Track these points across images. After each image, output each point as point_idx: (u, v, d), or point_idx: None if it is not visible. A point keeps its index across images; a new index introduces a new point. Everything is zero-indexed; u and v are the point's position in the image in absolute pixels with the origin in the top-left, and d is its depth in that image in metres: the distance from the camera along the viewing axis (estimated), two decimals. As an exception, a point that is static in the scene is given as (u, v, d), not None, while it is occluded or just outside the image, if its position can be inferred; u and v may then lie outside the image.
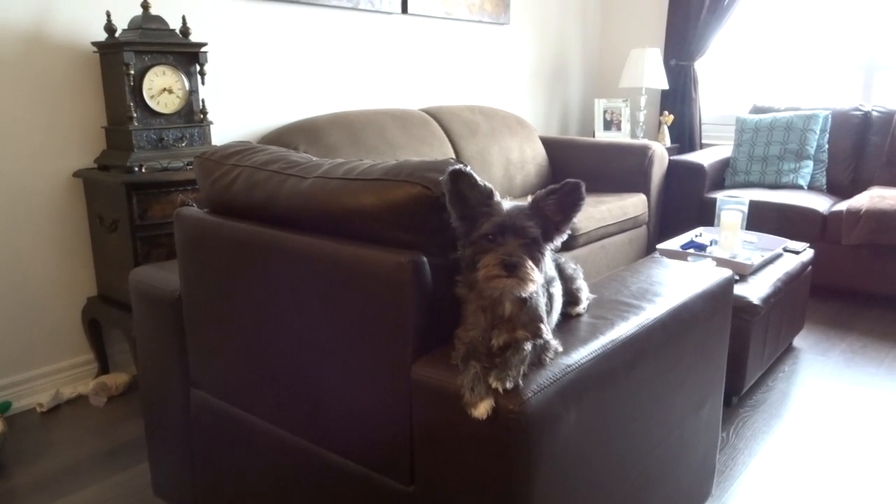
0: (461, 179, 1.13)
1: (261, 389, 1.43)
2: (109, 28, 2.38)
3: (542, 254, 1.16)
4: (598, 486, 1.27)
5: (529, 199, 1.18)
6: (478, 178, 1.14)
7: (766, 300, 2.46)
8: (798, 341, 3.08)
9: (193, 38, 2.56)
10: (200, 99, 2.59)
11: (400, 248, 1.17)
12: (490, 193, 1.15)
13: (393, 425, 1.19)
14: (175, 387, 1.64)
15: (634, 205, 3.74)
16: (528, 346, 1.12)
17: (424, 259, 1.15)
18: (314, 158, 1.41)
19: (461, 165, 1.22)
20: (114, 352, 2.71)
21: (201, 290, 1.50)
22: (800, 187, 4.01)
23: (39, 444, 2.28)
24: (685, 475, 1.61)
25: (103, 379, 2.57)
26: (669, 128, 4.75)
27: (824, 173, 4.08)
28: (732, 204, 2.84)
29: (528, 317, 1.16)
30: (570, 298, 1.34)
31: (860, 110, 4.11)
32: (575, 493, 1.20)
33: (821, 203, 3.72)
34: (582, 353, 1.17)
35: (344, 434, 1.29)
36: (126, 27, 2.42)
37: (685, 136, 4.80)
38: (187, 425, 1.64)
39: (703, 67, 4.83)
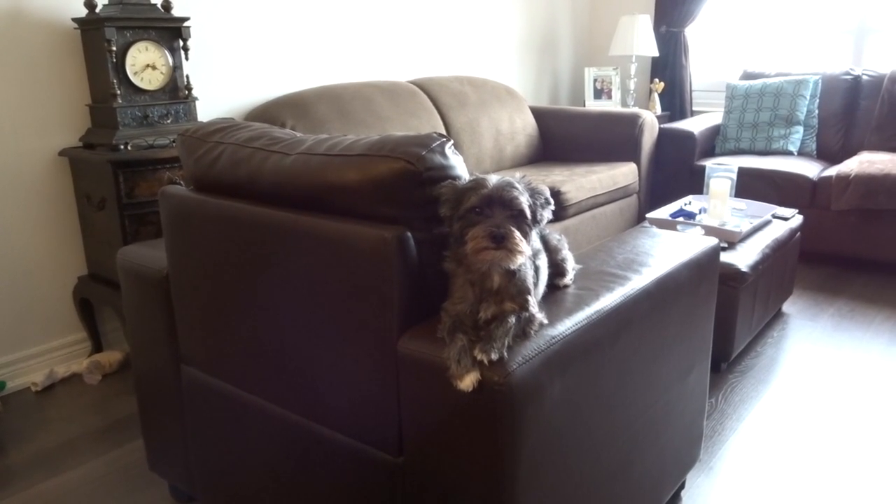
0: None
1: (250, 365, 1.44)
2: (89, 4, 2.34)
3: (530, 226, 1.16)
4: (586, 454, 1.29)
5: (517, 174, 1.18)
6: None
7: (755, 267, 2.48)
8: (787, 307, 3.11)
9: (175, 12, 2.52)
10: (185, 74, 2.56)
11: (384, 223, 1.17)
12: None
13: (381, 398, 1.21)
14: (166, 364, 1.65)
15: (625, 174, 3.73)
16: (513, 319, 1.13)
17: (409, 234, 1.15)
18: (297, 134, 1.40)
19: (444, 138, 1.22)
20: (106, 330, 2.72)
21: (188, 268, 1.51)
22: (790, 153, 4.01)
23: (35, 422, 2.30)
24: (673, 441, 1.64)
25: (97, 357, 2.59)
26: (660, 95, 4.73)
27: (814, 139, 4.08)
28: (721, 171, 2.84)
29: (516, 289, 1.17)
30: (556, 270, 1.35)
31: (850, 74, 4.10)
32: (562, 462, 1.22)
33: (810, 169, 3.72)
34: (567, 325, 1.18)
35: (333, 408, 1.30)
36: (106, 2, 2.39)
37: (676, 104, 4.79)
38: (179, 402, 1.65)
39: (694, 34, 4.80)
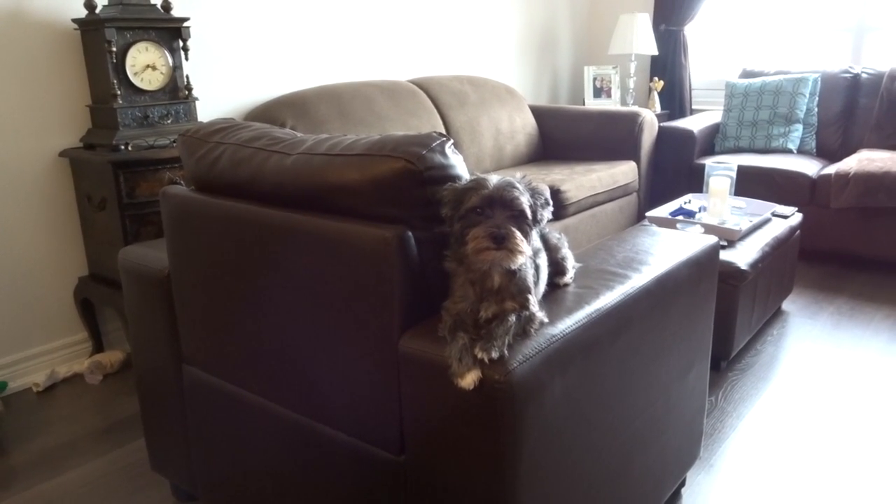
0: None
1: (252, 365, 1.44)
2: (89, 4, 2.34)
3: (531, 226, 1.16)
4: (587, 452, 1.30)
5: (518, 174, 1.18)
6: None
7: (754, 265, 2.48)
8: (787, 305, 3.11)
9: (175, 12, 2.53)
10: (185, 75, 2.57)
11: (385, 222, 1.17)
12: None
13: (382, 397, 1.21)
14: (167, 364, 1.65)
15: (624, 172, 3.74)
16: (513, 318, 1.13)
17: (409, 233, 1.15)
18: (298, 134, 1.41)
19: (444, 137, 1.22)
20: (107, 330, 2.73)
21: (189, 268, 1.51)
22: (789, 151, 4.01)
23: (37, 422, 2.30)
24: (673, 439, 1.64)
25: (98, 357, 2.59)
26: (660, 94, 4.74)
27: (814, 137, 4.08)
28: (721, 170, 2.84)
29: (516, 288, 1.17)
30: (556, 268, 1.35)
31: (850, 72, 4.10)
32: (563, 460, 1.22)
33: (810, 167, 3.73)
34: (567, 323, 1.19)
35: (335, 407, 1.31)
36: (106, 3, 2.39)
37: (675, 102, 4.79)
38: (181, 401, 1.66)
39: (693, 32, 4.80)
